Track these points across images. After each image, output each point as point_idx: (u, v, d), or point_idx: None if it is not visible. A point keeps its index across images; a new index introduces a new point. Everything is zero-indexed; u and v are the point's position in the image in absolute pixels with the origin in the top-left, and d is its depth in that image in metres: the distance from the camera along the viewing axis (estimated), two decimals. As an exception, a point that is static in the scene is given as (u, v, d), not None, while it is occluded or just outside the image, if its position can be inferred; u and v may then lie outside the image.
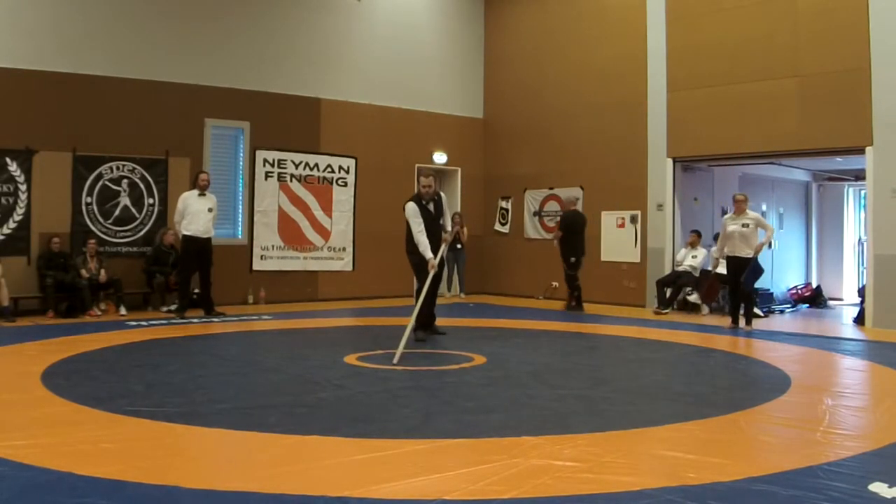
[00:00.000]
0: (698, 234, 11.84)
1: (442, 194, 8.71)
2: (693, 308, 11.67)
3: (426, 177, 8.44)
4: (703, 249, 11.76)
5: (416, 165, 13.91)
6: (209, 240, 10.29)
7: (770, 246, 9.89)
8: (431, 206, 8.34)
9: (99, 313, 10.15)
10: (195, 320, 9.76)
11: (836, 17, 10.23)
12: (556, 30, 13.76)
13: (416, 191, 8.56)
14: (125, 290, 10.51)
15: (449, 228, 8.68)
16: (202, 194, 10.27)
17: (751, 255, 9.39)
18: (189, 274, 10.30)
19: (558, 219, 12.61)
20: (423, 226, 8.10)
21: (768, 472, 3.59)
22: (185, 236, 10.15)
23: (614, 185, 12.70)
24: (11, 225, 10.16)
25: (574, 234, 11.71)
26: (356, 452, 3.93)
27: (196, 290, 10.79)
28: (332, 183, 13.05)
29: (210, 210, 10.30)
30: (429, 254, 7.99)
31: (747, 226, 9.39)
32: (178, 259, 10.83)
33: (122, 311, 10.31)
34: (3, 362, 6.59)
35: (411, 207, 8.21)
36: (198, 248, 10.15)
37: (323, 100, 12.89)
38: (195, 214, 10.12)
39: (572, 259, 11.66)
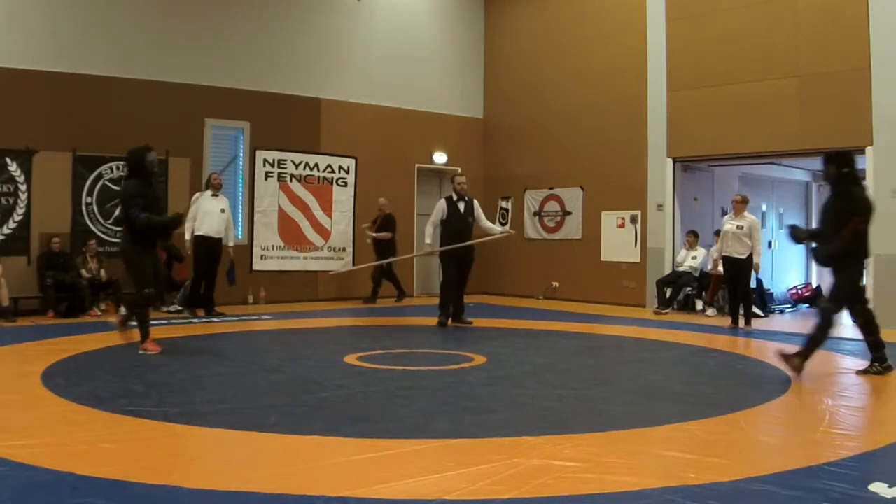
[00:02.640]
0: (695, 234, 11.83)
1: (474, 200, 9.76)
2: (693, 308, 11.65)
3: (460, 175, 9.80)
4: (703, 249, 11.75)
5: (416, 165, 13.92)
6: (220, 241, 10.28)
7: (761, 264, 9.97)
8: (462, 205, 9.39)
9: (99, 313, 10.15)
10: (195, 321, 9.76)
11: (836, 17, 10.23)
12: (556, 30, 13.76)
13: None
14: (125, 290, 10.50)
15: (492, 227, 9.99)
16: (215, 195, 10.33)
17: (744, 256, 9.45)
18: (202, 273, 10.26)
19: (373, 224, 12.64)
20: (437, 218, 9.39)
21: (768, 472, 3.59)
22: (196, 236, 10.10)
23: (614, 185, 12.70)
24: (11, 225, 10.17)
25: (394, 234, 12.45)
26: (356, 452, 3.93)
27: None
28: (332, 183, 13.05)
29: (223, 211, 10.36)
30: (428, 240, 9.46)
31: (741, 227, 9.48)
32: (170, 258, 10.89)
33: (122, 311, 10.28)
34: (3, 362, 6.59)
35: (439, 203, 9.56)
36: (209, 249, 10.14)
37: (323, 100, 12.89)
38: (208, 214, 10.14)
39: (390, 258, 12.11)
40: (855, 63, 9.99)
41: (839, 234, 6.04)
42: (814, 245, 6.75)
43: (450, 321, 9.59)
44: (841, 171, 6.18)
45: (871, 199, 6.28)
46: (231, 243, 10.65)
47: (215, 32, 11.81)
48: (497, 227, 9.95)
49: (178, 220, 7.25)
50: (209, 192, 10.32)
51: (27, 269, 10.20)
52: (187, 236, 10.14)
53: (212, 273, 10.31)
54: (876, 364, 6.23)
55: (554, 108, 13.67)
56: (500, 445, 4.02)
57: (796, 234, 6.71)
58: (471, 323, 9.62)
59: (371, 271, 12.54)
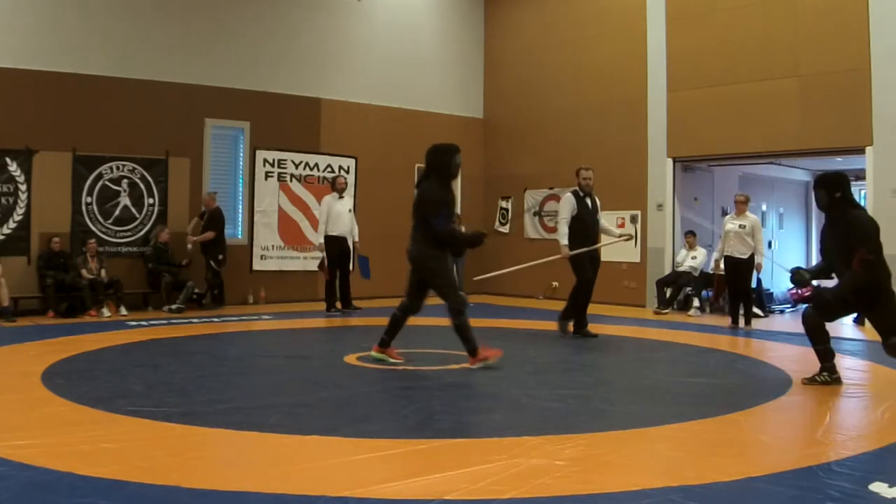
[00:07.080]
0: (693, 234, 11.83)
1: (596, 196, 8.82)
2: (683, 307, 11.61)
3: (586, 170, 8.58)
4: (703, 249, 11.75)
5: (416, 165, 13.89)
6: (346, 239, 10.92)
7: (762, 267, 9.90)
8: (589, 201, 8.55)
9: (108, 314, 10.05)
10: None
11: (836, 17, 10.24)
12: (556, 30, 13.75)
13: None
14: (125, 290, 10.50)
15: (610, 228, 9.17)
16: (341, 197, 10.89)
17: (745, 256, 9.45)
18: (336, 271, 10.85)
19: (200, 219, 11.24)
20: (568, 215, 8.34)
21: (768, 472, 3.59)
22: (328, 237, 10.67)
23: (614, 185, 12.67)
24: (11, 225, 10.16)
25: (223, 231, 11.32)
26: (356, 452, 3.93)
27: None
28: (332, 183, 13.03)
29: (350, 211, 11.00)
30: (564, 241, 8.34)
31: (744, 227, 9.48)
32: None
33: (123, 311, 10.30)
34: (3, 362, 6.59)
35: (567, 198, 8.50)
36: (340, 248, 10.76)
37: (323, 100, 12.88)
38: (340, 216, 10.76)
39: (220, 256, 11.17)
40: (855, 63, 9.99)
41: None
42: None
43: (570, 327, 8.63)
44: (833, 195, 5.61)
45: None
46: (357, 239, 11.21)
47: (215, 32, 11.80)
48: (615, 229, 9.18)
49: (482, 238, 6.70)
50: (336, 195, 10.84)
51: (27, 269, 10.20)
52: (320, 238, 10.73)
53: (345, 270, 10.96)
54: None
55: (554, 108, 13.67)
56: (500, 445, 4.02)
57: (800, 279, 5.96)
58: (595, 336, 8.54)
59: (206, 275, 11.22)
